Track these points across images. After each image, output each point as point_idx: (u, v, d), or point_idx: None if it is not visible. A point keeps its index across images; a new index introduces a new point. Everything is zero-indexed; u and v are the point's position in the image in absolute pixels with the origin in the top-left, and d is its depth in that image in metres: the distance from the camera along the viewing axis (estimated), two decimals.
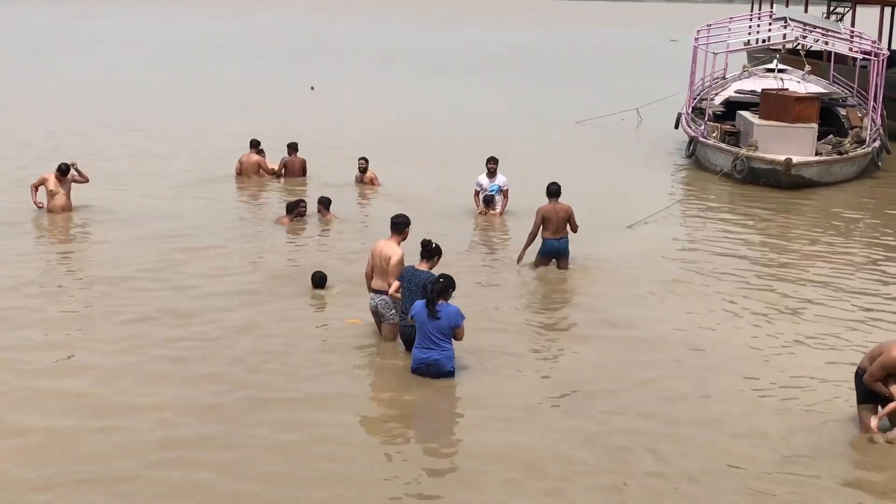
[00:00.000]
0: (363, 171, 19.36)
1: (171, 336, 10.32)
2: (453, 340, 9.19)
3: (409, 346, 9.71)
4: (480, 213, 16.60)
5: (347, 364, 9.65)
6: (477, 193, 17.05)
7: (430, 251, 9.82)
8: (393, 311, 10.08)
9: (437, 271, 9.72)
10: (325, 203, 16.32)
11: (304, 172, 20.07)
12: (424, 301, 9.08)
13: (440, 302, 9.08)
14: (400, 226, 10.27)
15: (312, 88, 43.13)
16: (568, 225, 12.78)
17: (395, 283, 9.76)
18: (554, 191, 13.14)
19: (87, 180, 16.30)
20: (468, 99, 38.93)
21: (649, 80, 45.92)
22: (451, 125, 30.78)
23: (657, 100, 34.43)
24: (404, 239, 10.26)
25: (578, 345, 10.44)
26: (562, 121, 31.94)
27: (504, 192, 16.84)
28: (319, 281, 11.87)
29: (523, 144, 26.03)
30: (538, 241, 13.31)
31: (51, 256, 13.67)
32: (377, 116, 31.96)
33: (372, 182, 19.31)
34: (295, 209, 16.09)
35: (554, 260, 13.15)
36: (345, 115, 32.30)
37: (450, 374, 9.19)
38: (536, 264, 13.00)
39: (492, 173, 16.82)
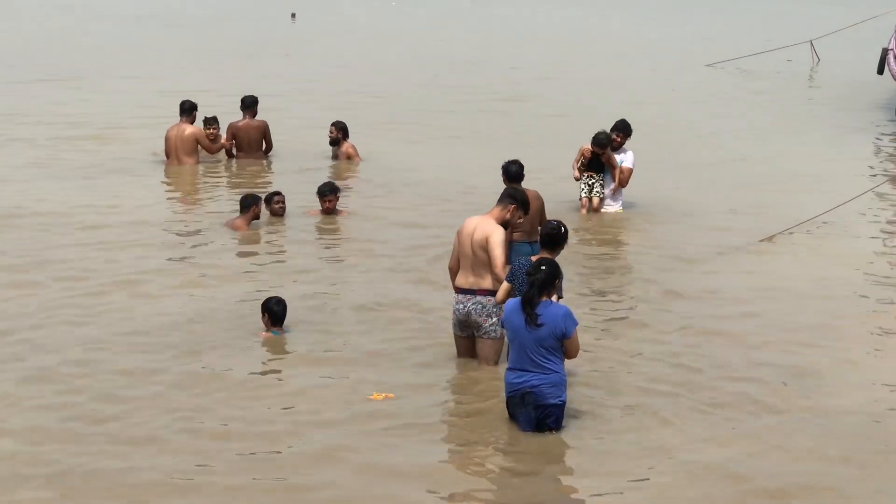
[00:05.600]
0: (334, 142, 19.90)
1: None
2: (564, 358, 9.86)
3: None
4: (577, 178, 16.79)
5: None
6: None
7: (556, 238, 10.50)
8: (494, 319, 10.69)
9: None
10: (324, 192, 16.15)
11: (264, 144, 19.93)
12: (519, 300, 9.66)
13: (542, 300, 9.57)
14: (511, 198, 10.92)
15: (294, 16, 47.71)
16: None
17: (505, 284, 10.36)
18: (514, 173, 13.57)
19: None
20: (540, 27, 45.73)
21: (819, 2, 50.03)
22: (516, 68, 33.81)
23: (837, 29, 36.12)
24: (516, 219, 10.95)
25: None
26: (688, 63, 35.24)
27: (623, 171, 16.86)
28: (278, 313, 11.72)
29: (636, 98, 27.76)
30: None
31: None
32: (396, 52, 35.99)
33: (349, 157, 19.83)
34: (252, 206, 15.59)
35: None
36: (344, 52, 36.05)
37: (554, 411, 9.65)
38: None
39: (614, 147, 16.75)
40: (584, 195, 16.62)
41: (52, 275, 13.46)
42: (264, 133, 19.71)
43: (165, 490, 8.40)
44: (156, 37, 40.52)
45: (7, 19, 47.49)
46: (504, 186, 13.80)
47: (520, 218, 10.87)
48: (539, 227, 12.32)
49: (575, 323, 9.61)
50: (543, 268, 9.61)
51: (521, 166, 13.96)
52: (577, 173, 16.65)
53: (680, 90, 29.95)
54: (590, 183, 16.61)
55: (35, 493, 8.39)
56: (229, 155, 19.47)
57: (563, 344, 9.58)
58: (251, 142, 19.60)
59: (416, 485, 8.79)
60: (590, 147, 16.45)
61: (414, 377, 10.49)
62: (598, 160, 16.48)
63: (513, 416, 9.66)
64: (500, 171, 13.76)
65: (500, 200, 10.94)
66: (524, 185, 13.62)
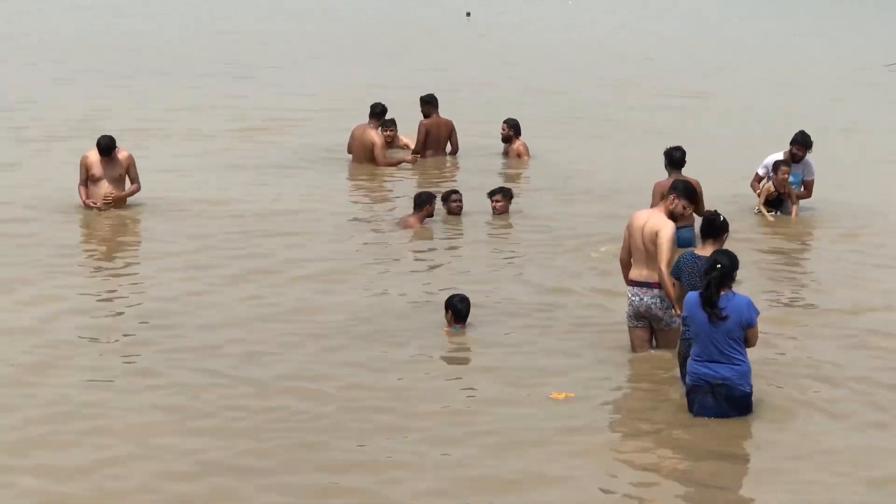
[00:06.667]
0: (506, 139, 19.65)
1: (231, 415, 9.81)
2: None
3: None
4: (760, 212, 16.28)
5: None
6: (759, 179, 16.44)
7: (717, 228, 10.33)
8: (672, 311, 10.65)
9: None
10: (507, 195, 15.94)
11: (449, 143, 19.71)
12: (699, 293, 9.63)
13: (723, 293, 9.52)
14: (673, 189, 10.84)
15: (468, 14, 46.97)
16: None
17: (671, 286, 10.42)
18: (677, 159, 13.93)
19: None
20: (729, 29, 43.53)
21: None
22: (703, 71, 33.36)
23: None
24: (679, 209, 10.81)
25: None
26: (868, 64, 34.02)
27: (807, 185, 16.40)
28: (462, 310, 11.67)
29: (817, 103, 27.07)
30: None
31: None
32: (570, 49, 35.43)
33: (519, 155, 19.54)
34: (426, 204, 15.45)
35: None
36: (518, 49, 35.53)
37: (743, 400, 9.68)
38: None
39: (795, 160, 16.32)
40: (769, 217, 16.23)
41: (234, 269, 13.58)
42: (450, 131, 19.62)
43: (371, 468, 8.57)
44: (330, 33, 40.93)
45: (196, 17, 48.55)
46: (666, 173, 14.11)
47: (684, 208, 10.83)
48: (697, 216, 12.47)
49: (757, 312, 9.61)
50: (719, 266, 9.54)
51: (683, 152, 14.10)
52: (762, 208, 16.09)
53: (868, 91, 29.40)
54: (769, 215, 16.15)
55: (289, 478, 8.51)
56: (420, 153, 19.35)
57: (746, 333, 9.58)
58: (441, 140, 19.55)
59: (611, 482, 8.79)
60: (774, 189, 16.06)
61: (593, 372, 10.53)
62: (779, 199, 16.12)
63: (694, 405, 9.68)
64: (664, 157, 13.93)
65: (669, 192, 10.91)
66: (685, 172, 13.92)
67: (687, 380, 9.77)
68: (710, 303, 9.50)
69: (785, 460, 9.04)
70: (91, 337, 11.11)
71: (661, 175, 14.41)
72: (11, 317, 11.57)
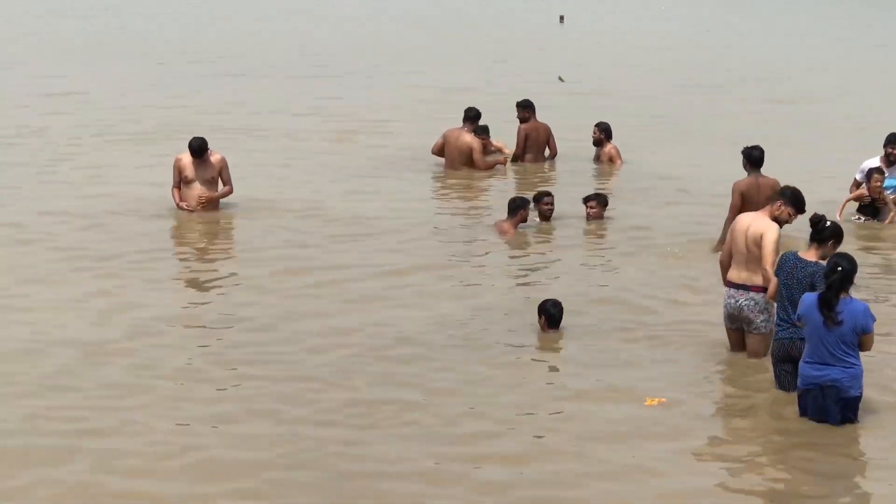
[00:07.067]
0: (597, 143, 19.64)
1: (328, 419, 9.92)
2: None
3: (786, 363, 10.25)
4: (858, 217, 16.16)
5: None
6: (857, 185, 16.23)
7: (823, 232, 10.27)
8: (765, 315, 10.73)
9: None
10: (601, 201, 16.02)
11: (548, 147, 19.70)
12: (818, 294, 9.64)
13: (841, 298, 9.49)
14: (781, 195, 10.96)
15: (562, 18, 47.08)
16: None
17: (774, 280, 10.36)
18: (756, 158, 14.06)
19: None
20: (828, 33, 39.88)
21: None
22: (784, 71, 33.36)
23: None
24: (785, 216, 10.88)
25: None
26: None
27: None
28: (555, 315, 11.79)
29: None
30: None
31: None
32: (663, 53, 35.49)
33: (611, 159, 19.55)
34: (520, 209, 15.44)
35: None
36: (611, 53, 35.63)
37: (854, 403, 9.67)
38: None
39: (892, 160, 16.16)
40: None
41: (325, 271, 13.62)
42: (549, 136, 19.53)
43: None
44: (420, 37, 41.21)
45: (289, 19, 49.04)
46: (744, 172, 14.26)
47: (790, 216, 10.79)
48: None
49: (874, 318, 9.57)
50: (840, 269, 9.52)
51: (762, 151, 14.16)
52: (840, 215, 15.73)
53: None
54: (858, 222, 15.90)
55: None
56: (516, 158, 19.40)
57: (861, 338, 9.55)
58: (539, 144, 19.56)
59: (707, 489, 8.78)
60: (867, 194, 15.89)
61: (686, 377, 10.53)
62: (874, 204, 15.93)
63: (806, 409, 9.65)
64: (742, 157, 14.03)
65: (776, 197, 10.90)
66: (762, 171, 14.03)
67: (798, 382, 9.74)
68: (828, 305, 9.46)
69: (891, 469, 8.99)
70: (181, 335, 11.21)
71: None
72: (103, 314, 11.67)
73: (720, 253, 12.08)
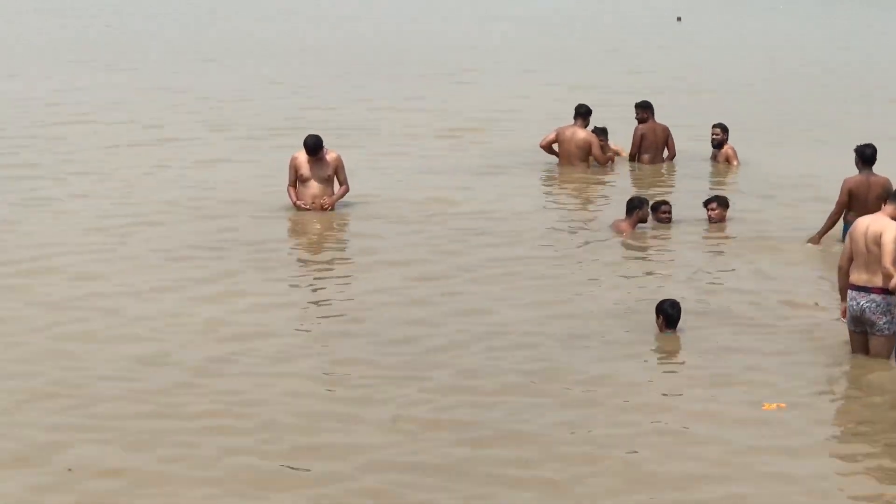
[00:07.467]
0: (719, 144, 19.56)
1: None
2: None
3: None
4: None
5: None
6: None
7: None
8: (888, 317, 10.67)
9: None
10: (722, 203, 15.88)
11: (666, 148, 19.68)
12: None
13: None
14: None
15: (679, 19, 46.85)
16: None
17: None
18: (868, 156, 13.89)
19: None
20: None
21: None
22: None
23: None
24: None
25: None
26: None
27: None
28: (673, 315, 11.67)
29: None
30: (839, 226, 14.26)
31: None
32: (779, 53, 35.73)
33: (728, 160, 19.43)
34: (637, 209, 15.38)
35: None
36: (728, 53, 35.81)
37: None
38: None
39: None
40: None
41: (443, 270, 13.69)
42: (667, 137, 19.64)
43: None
44: (537, 36, 41.36)
45: (410, 19, 49.37)
46: (856, 169, 14.13)
47: None
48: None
49: None
50: None
51: (874, 150, 14.07)
52: None
53: None
54: None
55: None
56: (632, 158, 19.42)
57: None
58: (657, 145, 19.53)
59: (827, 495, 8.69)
60: None
61: (806, 380, 10.46)
62: None
63: None
64: (855, 154, 13.93)
65: (892, 199, 10.83)
66: (874, 170, 13.89)
67: None
68: None
69: None
70: (294, 330, 11.27)
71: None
72: (217, 309, 11.77)
73: (817, 246, 12.28)
